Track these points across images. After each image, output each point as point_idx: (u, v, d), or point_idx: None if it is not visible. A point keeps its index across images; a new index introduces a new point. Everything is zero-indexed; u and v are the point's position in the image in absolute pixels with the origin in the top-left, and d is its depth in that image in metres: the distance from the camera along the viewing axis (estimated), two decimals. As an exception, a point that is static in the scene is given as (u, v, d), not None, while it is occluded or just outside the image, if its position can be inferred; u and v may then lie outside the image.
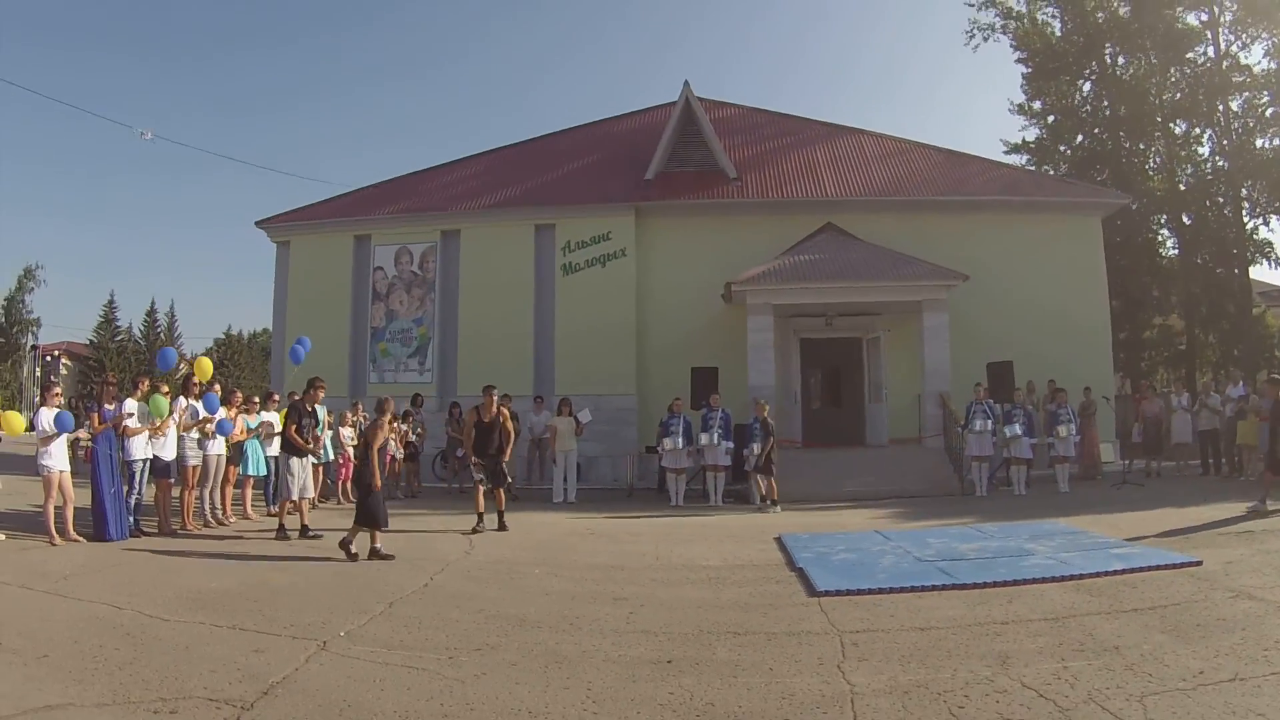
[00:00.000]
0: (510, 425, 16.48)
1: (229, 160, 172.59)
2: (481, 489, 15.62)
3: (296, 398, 15.60)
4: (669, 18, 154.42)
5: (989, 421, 20.87)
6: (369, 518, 12.52)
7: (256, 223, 29.09)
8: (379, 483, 12.78)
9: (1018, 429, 20.75)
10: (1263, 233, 40.96)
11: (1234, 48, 41.13)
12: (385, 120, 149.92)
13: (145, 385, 15.15)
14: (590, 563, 12.02)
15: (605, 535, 15.08)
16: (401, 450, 21.58)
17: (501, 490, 15.84)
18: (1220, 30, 41.00)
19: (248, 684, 6.59)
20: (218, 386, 17.19)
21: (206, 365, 17.32)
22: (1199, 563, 10.54)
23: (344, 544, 12.36)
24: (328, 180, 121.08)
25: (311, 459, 15.45)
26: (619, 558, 12.46)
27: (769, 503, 18.79)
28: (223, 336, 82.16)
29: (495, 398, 16.35)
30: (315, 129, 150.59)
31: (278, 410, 17.79)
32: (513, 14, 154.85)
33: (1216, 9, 40.62)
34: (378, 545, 12.40)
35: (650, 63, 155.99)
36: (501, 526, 15.36)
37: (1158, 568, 10.47)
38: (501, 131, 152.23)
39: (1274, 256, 40.50)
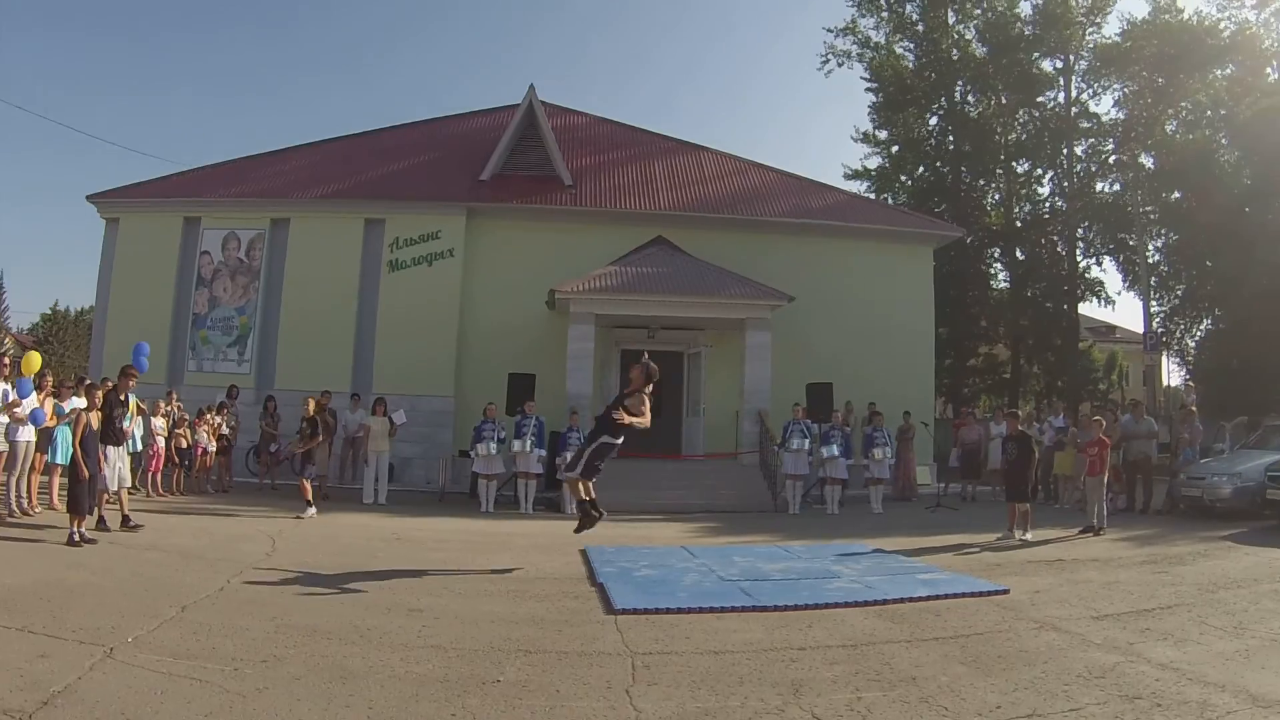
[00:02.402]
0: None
1: (68, 130, 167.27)
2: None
3: (110, 384, 15.28)
4: (520, 19, 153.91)
5: (806, 441, 21.46)
6: (73, 504, 12.63)
7: (88, 197, 28.21)
8: (86, 472, 12.87)
9: (834, 449, 21.34)
10: (1094, 272, 43.43)
11: (1085, 95, 43.63)
12: (226, 98, 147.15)
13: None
14: (391, 570, 11.89)
15: (411, 541, 15.01)
16: (214, 443, 21.25)
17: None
18: (1073, 77, 43.36)
19: (28, 693, 6.36)
20: (49, 378, 16.88)
21: (35, 359, 16.79)
22: (1006, 591, 10.84)
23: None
24: (162, 156, 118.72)
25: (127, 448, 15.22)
26: (421, 565, 12.36)
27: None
28: (49, 312, 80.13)
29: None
30: (154, 103, 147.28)
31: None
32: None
33: (1072, 57, 42.91)
34: (76, 530, 12.44)
35: (502, 63, 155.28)
36: None
37: (964, 595, 10.68)
38: (345, 120, 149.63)
39: (1104, 295, 42.77)
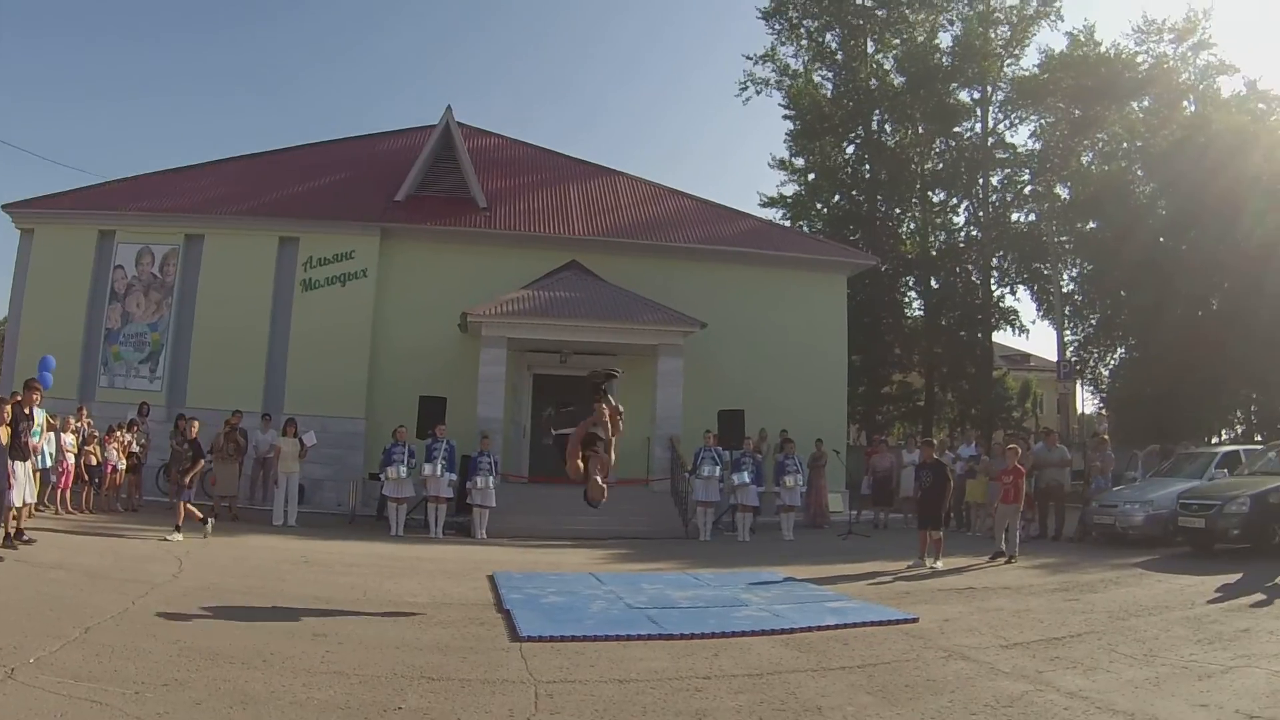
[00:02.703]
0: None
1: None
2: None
3: (19, 398, 15.25)
4: (439, 41, 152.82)
5: (717, 468, 21.79)
6: None
7: (2, 206, 27.80)
8: None
9: (745, 476, 21.63)
10: (1009, 301, 44.27)
11: (1001, 126, 44.64)
12: (146, 109, 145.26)
13: None
14: (298, 593, 11.75)
15: (320, 564, 14.90)
16: (124, 461, 20.95)
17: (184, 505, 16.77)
18: (990, 108, 44.31)
19: (-72, 718, 6.21)
20: None
21: None
22: (915, 619, 10.85)
23: None
24: (79, 168, 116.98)
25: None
26: (328, 589, 12.26)
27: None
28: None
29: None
30: (76, 114, 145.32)
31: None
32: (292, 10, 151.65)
33: (990, 88, 43.82)
34: None
35: (420, 86, 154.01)
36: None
37: (872, 624, 10.66)
38: (259, 138, 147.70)
39: (1018, 324, 43.71)
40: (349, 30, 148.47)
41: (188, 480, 17.36)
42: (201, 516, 16.94)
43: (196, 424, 18.62)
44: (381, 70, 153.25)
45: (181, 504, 16.91)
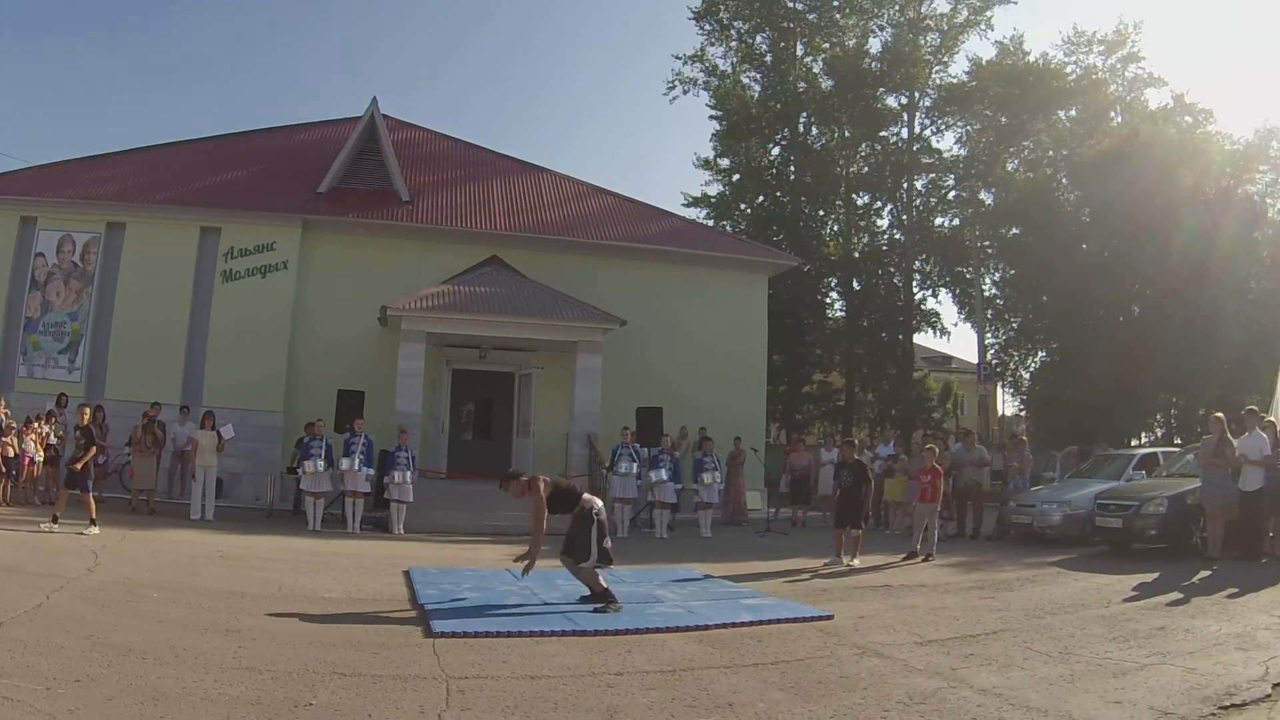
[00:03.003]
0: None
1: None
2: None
3: None
4: (366, 34, 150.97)
5: (634, 465, 22.02)
6: None
7: None
8: None
9: (663, 474, 21.86)
10: (931, 303, 45.18)
11: (928, 131, 45.36)
12: (72, 92, 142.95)
13: None
14: (213, 589, 11.66)
15: (235, 559, 14.73)
16: (41, 453, 20.71)
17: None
18: (918, 114, 45.10)
19: None
20: None
21: None
22: (830, 616, 10.91)
23: None
24: (5, 153, 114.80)
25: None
26: (243, 584, 12.18)
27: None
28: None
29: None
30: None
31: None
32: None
33: (917, 94, 44.55)
34: None
35: (346, 80, 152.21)
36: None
37: (787, 621, 10.70)
38: (183, 131, 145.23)
39: (939, 326, 44.54)
40: (283, 19, 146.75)
41: (78, 466, 17.02)
42: (93, 518, 16.52)
43: (88, 410, 18.54)
44: (313, 63, 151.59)
45: (88, 496, 16.78)
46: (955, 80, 44.80)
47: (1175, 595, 12.63)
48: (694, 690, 7.65)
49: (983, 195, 45.33)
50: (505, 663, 8.46)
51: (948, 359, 56.25)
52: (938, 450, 19.30)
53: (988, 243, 43.32)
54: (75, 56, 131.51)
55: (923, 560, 16.76)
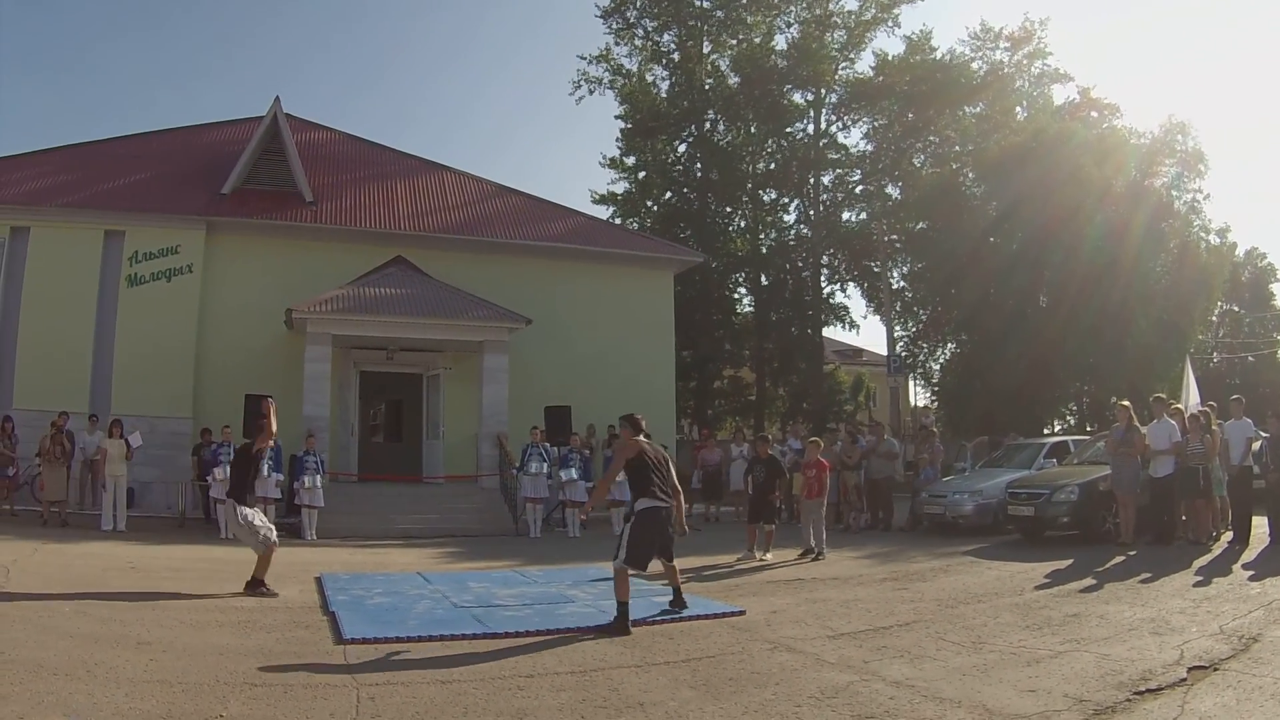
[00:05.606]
0: None
1: None
2: None
3: None
4: (244, 22, 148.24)
5: (544, 464, 22.46)
6: None
7: None
8: None
9: (573, 472, 22.41)
10: (839, 297, 46.40)
11: (834, 128, 46.57)
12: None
13: None
14: (126, 600, 11.55)
15: (147, 570, 14.69)
16: None
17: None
18: (824, 110, 46.10)
19: None
20: None
21: None
22: (742, 612, 11.08)
23: None
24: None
25: None
26: (155, 596, 12.05)
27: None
28: None
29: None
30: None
31: None
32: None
33: (824, 91, 45.51)
34: None
35: (226, 71, 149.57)
36: None
37: (699, 617, 10.84)
38: (65, 121, 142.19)
39: (848, 320, 45.86)
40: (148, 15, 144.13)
41: None
42: None
43: None
44: (191, 52, 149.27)
45: None
46: (862, 76, 45.96)
47: (1088, 581, 13.05)
48: (605, 691, 7.73)
49: (890, 190, 46.65)
50: (416, 668, 8.53)
51: (858, 352, 57.60)
52: (821, 444, 19.34)
53: (895, 237, 44.55)
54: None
55: (813, 559, 16.75)
